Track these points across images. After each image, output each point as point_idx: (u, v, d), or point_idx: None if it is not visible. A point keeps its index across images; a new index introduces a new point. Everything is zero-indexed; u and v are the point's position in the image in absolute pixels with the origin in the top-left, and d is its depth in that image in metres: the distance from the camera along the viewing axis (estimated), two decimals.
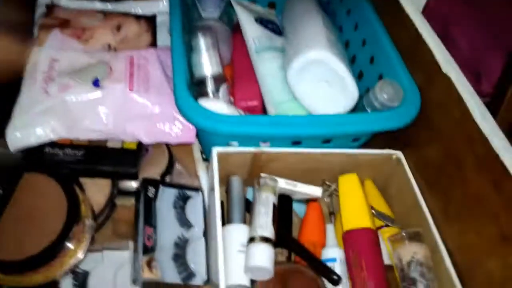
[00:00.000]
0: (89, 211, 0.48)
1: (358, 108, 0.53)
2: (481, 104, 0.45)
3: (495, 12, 0.90)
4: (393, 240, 0.50)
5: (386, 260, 0.49)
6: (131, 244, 0.49)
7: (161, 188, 0.52)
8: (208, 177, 0.56)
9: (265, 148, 0.50)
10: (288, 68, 0.54)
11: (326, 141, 0.51)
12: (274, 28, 0.67)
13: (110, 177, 0.53)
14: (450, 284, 0.44)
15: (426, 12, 0.59)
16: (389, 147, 0.54)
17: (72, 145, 0.53)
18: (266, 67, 0.58)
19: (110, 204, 0.52)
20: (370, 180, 0.57)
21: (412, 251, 0.47)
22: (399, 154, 0.54)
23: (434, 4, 0.82)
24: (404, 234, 0.49)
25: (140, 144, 0.54)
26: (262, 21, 0.66)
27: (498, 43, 0.84)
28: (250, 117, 0.44)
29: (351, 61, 0.64)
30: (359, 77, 0.62)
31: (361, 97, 0.54)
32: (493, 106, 0.68)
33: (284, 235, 0.48)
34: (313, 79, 0.54)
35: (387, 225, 0.53)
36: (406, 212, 0.53)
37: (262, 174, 0.52)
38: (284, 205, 0.52)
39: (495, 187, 0.42)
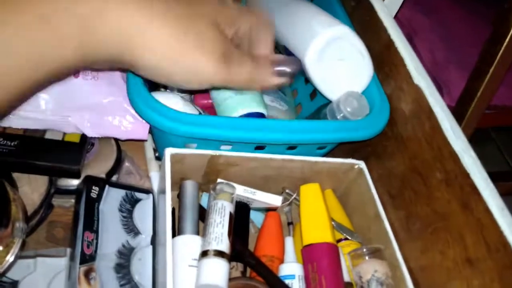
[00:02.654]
0: (21, 212, 0.42)
1: (319, 117, 0.50)
2: (452, 119, 0.43)
3: (457, 29, 0.92)
4: (353, 256, 0.48)
5: (345, 277, 0.47)
6: (68, 251, 0.44)
7: (107, 188, 0.47)
8: (159, 179, 0.51)
9: (224, 152, 0.46)
10: (306, 53, 0.48)
11: (291, 148, 0.48)
12: None
13: (47, 174, 0.47)
14: None
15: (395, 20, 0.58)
16: (353, 157, 0.52)
17: (5, 134, 0.46)
18: None
19: (46, 205, 0.46)
20: (331, 190, 0.55)
21: (372, 269, 0.45)
22: (361, 164, 0.52)
23: (401, 14, 0.81)
24: (364, 250, 0.47)
25: (84, 137, 0.48)
26: None
27: (459, 57, 0.85)
28: (212, 118, 0.40)
29: None
30: None
31: (325, 105, 0.52)
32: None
33: (240, 248, 0.44)
34: (331, 60, 0.49)
35: (346, 238, 0.51)
36: (366, 225, 0.51)
37: (219, 180, 0.48)
38: (241, 214, 0.49)
39: (462, 207, 0.40)
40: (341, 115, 0.48)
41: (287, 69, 0.40)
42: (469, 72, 0.74)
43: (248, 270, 0.47)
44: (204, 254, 0.40)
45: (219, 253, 0.40)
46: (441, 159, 0.43)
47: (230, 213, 0.43)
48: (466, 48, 0.86)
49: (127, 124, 0.48)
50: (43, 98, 0.46)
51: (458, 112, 0.71)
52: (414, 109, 0.47)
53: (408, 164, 0.48)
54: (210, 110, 0.55)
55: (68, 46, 0.29)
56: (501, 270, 0.36)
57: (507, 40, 0.60)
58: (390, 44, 0.51)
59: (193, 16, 0.34)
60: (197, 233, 0.44)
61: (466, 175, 0.40)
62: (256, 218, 0.53)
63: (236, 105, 0.50)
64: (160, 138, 0.49)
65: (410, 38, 0.87)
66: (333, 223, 0.50)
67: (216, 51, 0.34)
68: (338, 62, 0.50)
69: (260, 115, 0.50)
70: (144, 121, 0.46)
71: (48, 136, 0.48)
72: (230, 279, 0.41)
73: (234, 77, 0.36)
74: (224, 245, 0.41)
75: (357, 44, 0.49)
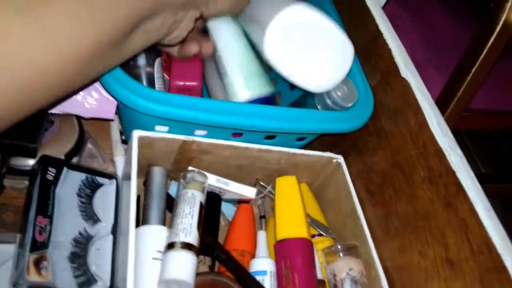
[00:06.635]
0: None
1: (307, 103, 0.47)
2: (440, 115, 0.41)
3: (440, 31, 0.92)
4: (327, 253, 0.45)
5: (318, 274, 0.44)
6: (18, 237, 0.39)
7: (65, 170, 0.43)
8: (125, 163, 0.47)
9: (197, 137, 0.42)
10: (264, 37, 0.43)
11: (270, 137, 0.45)
12: None
13: None
14: None
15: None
16: (332, 151, 0.49)
17: None
18: (224, 37, 0.47)
19: None
20: (305, 184, 0.53)
21: (347, 267, 0.43)
22: (340, 159, 0.49)
23: (384, 10, 0.80)
24: (339, 247, 0.44)
25: (42, 113, 0.44)
26: None
27: (439, 59, 0.85)
28: (188, 98, 0.36)
29: None
30: None
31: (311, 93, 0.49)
32: None
33: (210, 241, 0.41)
34: (299, 43, 0.44)
35: (320, 234, 0.49)
36: (342, 222, 0.49)
37: (190, 168, 0.44)
38: (212, 205, 0.46)
39: (446, 206, 0.39)
40: (331, 100, 0.45)
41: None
42: (448, 75, 0.74)
43: (217, 264, 0.44)
44: (171, 246, 0.37)
45: (187, 246, 0.37)
46: (426, 157, 0.41)
47: (201, 204, 0.40)
48: (447, 51, 0.86)
49: (92, 100, 0.44)
50: None
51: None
52: (400, 104, 0.45)
53: (390, 160, 0.46)
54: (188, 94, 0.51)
55: None
56: (483, 272, 0.34)
57: (491, 39, 0.59)
58: (377, 35, 0.49)
59: None
60: (164, 223, 0.41)
61: (452, 174, 0.38)
62: (227, 210, 0.50)
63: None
64: (128, 118, 0.45)
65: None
66: (308, 218, 0.48)
67: None
68: (308, 47, 0.45)
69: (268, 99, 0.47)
70: (111, 98, 0.42)
71: None
72: (198, 274, 0.38)
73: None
74: (192, 237, 0.38)
75: (320, 22, 0.44)
